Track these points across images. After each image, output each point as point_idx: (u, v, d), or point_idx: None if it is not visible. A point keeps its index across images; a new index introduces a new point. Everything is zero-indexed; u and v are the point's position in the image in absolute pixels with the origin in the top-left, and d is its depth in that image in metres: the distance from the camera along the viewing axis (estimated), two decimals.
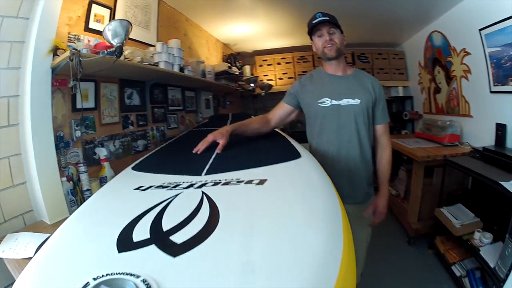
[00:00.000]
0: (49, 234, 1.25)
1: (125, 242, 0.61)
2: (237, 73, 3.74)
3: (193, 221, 0.66)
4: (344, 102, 1.55)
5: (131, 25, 1.50)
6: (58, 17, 1.49)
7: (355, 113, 1.55)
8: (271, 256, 0.55)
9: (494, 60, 2.58)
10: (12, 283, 1.31)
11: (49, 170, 1.46)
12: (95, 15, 1.83)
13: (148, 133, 2.32)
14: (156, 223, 0.67)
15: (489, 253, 2.00)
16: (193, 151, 1.32)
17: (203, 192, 0.81)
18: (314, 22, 1.54)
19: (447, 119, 3.28)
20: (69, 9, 1.66)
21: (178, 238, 0.61)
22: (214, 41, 4.04)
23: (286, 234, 0.61)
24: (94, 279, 0.50)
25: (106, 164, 1.74)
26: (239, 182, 0.89)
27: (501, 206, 2.21)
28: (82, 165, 1.60)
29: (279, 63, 4.87)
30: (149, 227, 0.66)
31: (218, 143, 1.32)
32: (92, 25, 1.81)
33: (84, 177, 1.61)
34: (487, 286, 2.11)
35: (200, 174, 1.02)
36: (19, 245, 1.20)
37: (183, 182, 0.93)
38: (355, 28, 3.86)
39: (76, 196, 1.58)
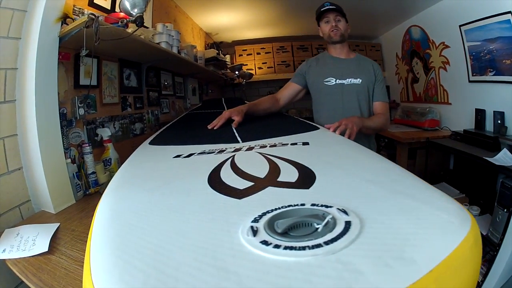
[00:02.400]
0: (58, 224, 1.06)
1: (233, 192, 0.49)
2: (225, 60, 3.59)
3: (282, 171, 0.57)
4: (347, 81, 1.65)
5: None
6: None
7: (358, 91, 1.65)
8: (385, 176, 0.54)
9: (473, 53, 2.72)
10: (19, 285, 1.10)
11: (55, 151, 1.25)
12: None
13: (144, 116, 2.15)
14: (243, 174, 0.57)
15: (479, 223, 2.08)
16: (209, 127, 1.28)
17: (259, 153, 0.72)
18: (322, 9, 1.64)
19: (426, 106, 3.37)
20: None
21: (288, 178, 0.53)
22: (198, 29, 3.85)
23: (378, 168, 0.60)
24: (255, 220, 0.38)
25: (110, 145, 1.57)
26: (283, 145, 0.83)
27: (485, 181, 2.37)
28: (87, 145, 1.41)
29: (258, 53, 4.72)
30: (239, 178, 0.55)
31: (232, 120, 1.31)
32: (97, 0, 1.62)
33: (89, 159, 1.42)
34: None
35: (237, 142, 0.95)
36: (23, 240, 0.94)
37: (226, 148, 0.83)
38: None
39: (81, 180, 1.38)
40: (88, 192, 1.40)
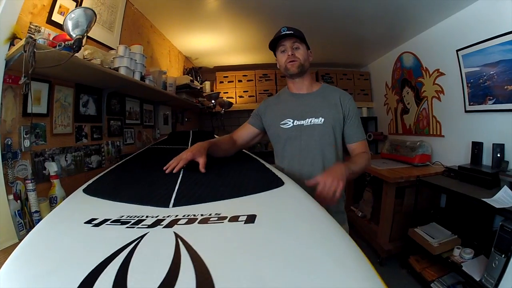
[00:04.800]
0: None
1: None
2: (199, 88, 3.68)
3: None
4: (306, 122, 1.52)
5: (96, 16, 1.36)
6: (23, 2, 1.36)
7: (319, 134, 1.50)
8: None
9: (471, 80, 2.81)
10: None
11: None
12: (60, 6, 1.67)
13: (102, 148, 2.15)
14: None
15: (472, 268, 2.14)
16: (166, 171, 1.21)
17: (176, 235, 0.62)
18: (277, 36, 1.51)
19: (417, 139, 3.45)
20: None
21: None
22: (176, 53, 3.96)
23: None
24: None
25: (56, 182, 1.56)
26: (220, 219, 0.72)
27: (480, 221, 2.40)
28: (30, 182, 1.40)
29: (240, 81, 4.91)
30: None
31: (195, 163, 1.24)
32: (55, 17, 1.65)
33: (32, 197, 1.41)
34: None
35: (167, 205, 0.87)
36: None
37: (147, 217, 0.76)
38: (321, 48, 4.02)
39: (25, 219, 1.38)
40: None
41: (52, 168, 1.57)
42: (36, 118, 1.54)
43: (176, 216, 0.76)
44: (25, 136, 1.46)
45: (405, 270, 2.84)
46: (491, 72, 2.59)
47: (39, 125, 1.58)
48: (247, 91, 4.90)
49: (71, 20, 1.29)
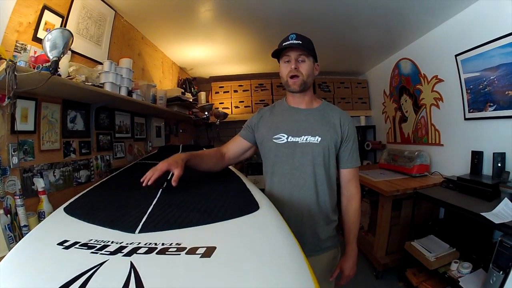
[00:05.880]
0: None
1: None
2: (191, 100, 3.76)
3: None
4: (302, 139, 1.46)
5: (73, 36, 1.43)
6: (7, 21, 1.45)
7: (313, 153, 1.44)
8: None
9: (471, 86, 2.83)
10: None
11: None
12: (45, 23, 1.77)
13: (91, 163, 2.24)
14: None
15: (470, 283, 2.13)
16: (143, 183, 1.23)
17: (131, 266, 0.67)
18: (283, 44, 1.44)
19: (415, 148, 3.50)
20: (21, 12, 1.61)
21: None
22: (170, 64, 4.06)
23: None
24: None
25: (44, 197, 1.65)
26: (179, 250, 0.74)
27: (478, 234, 2.39)
28: (18, 197, 1.51)
29: (236, 91, 5.03)
30: None
31: (168, 175, 1.25)
32: (41, 34, 1.72)
33: (21, 211, 1.51)
34: None
35: (133, 231, 0.89)
36: None
37: (112, 243, 0.80)
38: (318, 56, 4.06)
39: (14, 232, 1.49)
40: None
41: (39, 184, 1.66)
42: (24, 135, 1.64)
43: (139, 243, 0.79)
44: (13, 153, 1.55)
45: (402, 283, 2.86)
46: (491, 77, 2.58)
47: (27, 142, 1.67)
48: (242, 102, 5.01)
49: (48, 42, 1.36)
